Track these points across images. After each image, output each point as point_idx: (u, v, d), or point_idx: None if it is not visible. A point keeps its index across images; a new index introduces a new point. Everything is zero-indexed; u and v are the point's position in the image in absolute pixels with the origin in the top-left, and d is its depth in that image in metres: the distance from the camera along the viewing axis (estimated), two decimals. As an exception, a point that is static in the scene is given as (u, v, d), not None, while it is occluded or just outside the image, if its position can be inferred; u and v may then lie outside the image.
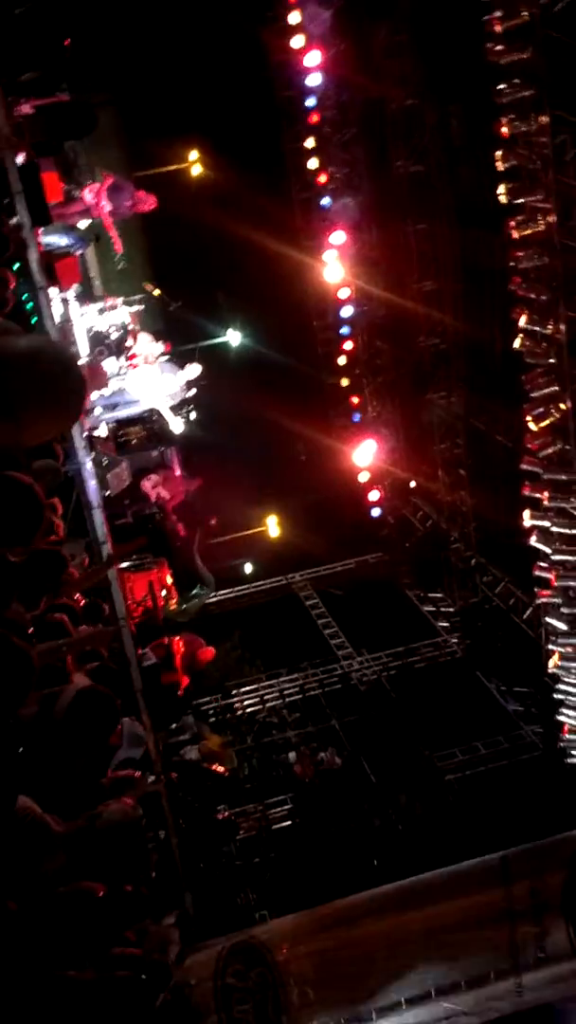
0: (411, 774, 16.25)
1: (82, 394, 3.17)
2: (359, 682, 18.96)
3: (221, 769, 14.70)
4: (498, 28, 12.38)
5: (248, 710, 18.67)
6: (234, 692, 18.93)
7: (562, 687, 14.96)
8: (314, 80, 18.88)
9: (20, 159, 10.04)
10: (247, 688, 19.09)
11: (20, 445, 3.22)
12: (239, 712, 18.62)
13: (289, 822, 16.22)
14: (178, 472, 15.72)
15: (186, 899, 11.61)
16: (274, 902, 13.43)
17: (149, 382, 13.34)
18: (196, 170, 19.17)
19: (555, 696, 15.11)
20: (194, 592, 15.40)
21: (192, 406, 14.18)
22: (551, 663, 14.95)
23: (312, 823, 15.87)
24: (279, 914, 12.13)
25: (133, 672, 11.60)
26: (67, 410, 3.06)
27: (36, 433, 3.11)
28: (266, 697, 18.91)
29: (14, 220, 9.61)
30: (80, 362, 12.32)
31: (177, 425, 13.90)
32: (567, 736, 15.18)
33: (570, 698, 14.92)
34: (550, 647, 14.98)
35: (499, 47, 12.47)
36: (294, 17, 18.27)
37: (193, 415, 14.12)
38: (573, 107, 12.29)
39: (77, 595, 8.99)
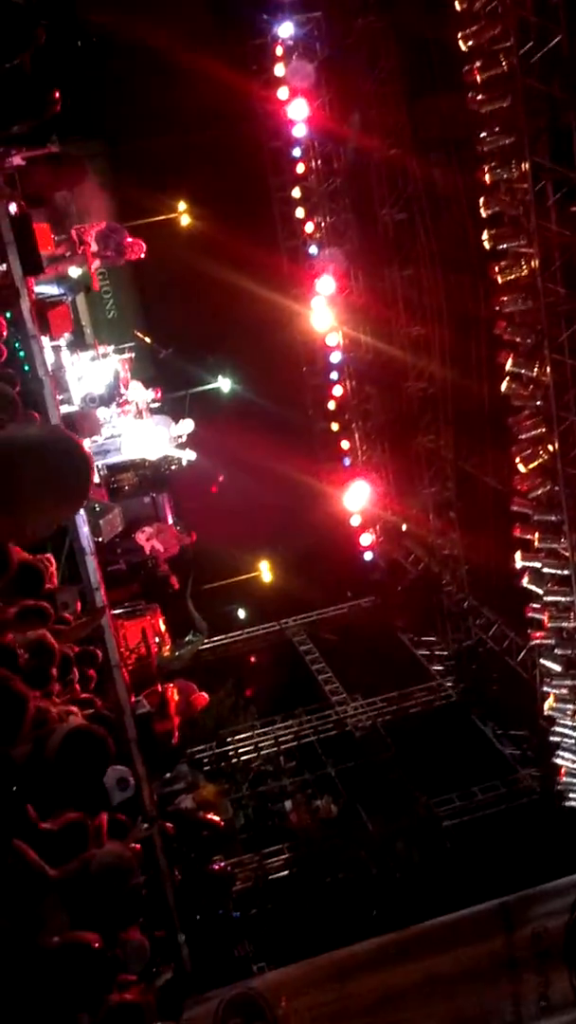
0: (408, 821, 16.07)
1: (86, 489, 3.14)
2: (354, 728, 18.80)
3: (216, 819, 14.49)
4: (478, 78, 12.66)
5: (243, 758, 18.49)
6: (228, 740, 18.76)
7: (558, 729, 14.86)
8: (299, 131, 19.23)
9: (12, 210, 10.15)
10: (241, 736, 18.92)
11: (22, 538, 3.20)
12: (234, 760, 18.43)
13: (286, 872, 16.01)
14: (171, 520, 15.69)
15: (183, 951, 11.40)
16: (272, 953, 13.21)
17: (142, 438, 13.43)
18: (185, 220, 19.44)
19: (551, 739, 15.00)
20: (187, 639, 15.32)
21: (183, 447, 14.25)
22: (547, 705, 14.86)
23: (309, 872, 15.66)
24: (278, 965, 11.92)
25: (127, 720, 11.49)
26: (70, 505, 3.04)
27: (37, 527, 3.08)
28: (261, 744, 18.74)
29: (3, 267, 9.68)
30: (71, 410, 12.38)
31: (189, 455, 13.97)
32: (564, 779, 15.05)
33: (566, 740, 14.81)
34: (545, 689, 14.90)
35: (480, 96, 12.75)
36: (279, 69, 18.68)
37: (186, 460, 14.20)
38: (553, 154, 12.52)
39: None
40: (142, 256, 13.35)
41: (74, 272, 13.26)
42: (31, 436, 3.00)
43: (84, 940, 3.89)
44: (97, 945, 3.88)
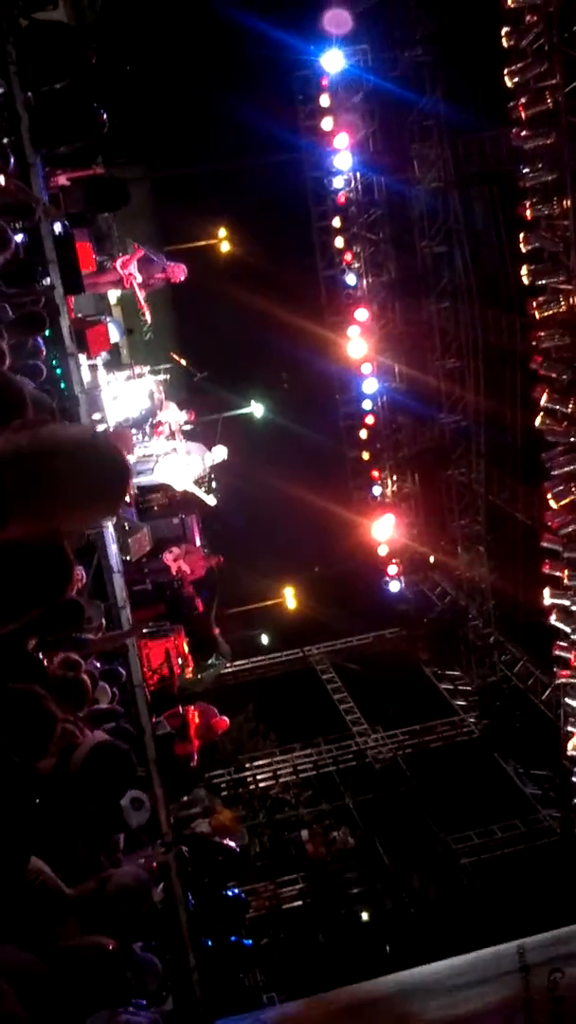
0: (425, 857, 15.90)
1: (125, 490, 3.09)
2: (374, 760, 18.67)
3: (232, 844, 14.37)
4: (523, 114, 12.72)
5: (261, 785, 18.38)
6: (247, 765, 18.67)
7: (581, 770, 14.70)
8: (342, 161, 19.36)
9: (57, 229, 10.26)
10: (260, 762, 18.83)
11: (57, 534, 3.16)
12: (251, 786, 18.33)
13: (300, 902, 15.87)
14: (198, 542, 15.69)
15: (193, 976, 11.26)
16: (283, 984, 13.06)
17: (176, 466, 13.50)
18: (225, 247, 19.62)
19: (573, 780, 14.82)
20: (210, 661, 15.26)
21: (213, 475, 14.28)
22: (570, 745, 14.69)
23: (323, 904, 15.50)
24: (288, 996, 11.76)
25: (147, 740, 11.42)
26: (107, 506, 2.99)
27: (73, 522, 3.05)
28: (279, 772, 18.63)
29: (47, 281, 9.75)
30: (104, 427, 12.44)
31: (211, 500, 14.02)
32: (585, 821, 14.87)
33: (589, 781, 14.65)
34: (569, 729, 14.73)
35: (524, 132, 12.81)
36: (325, 100, 18.86)
37: (214, 484, 14.23)
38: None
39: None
40: (182, 279, 13.44)
41: (113, 294, 13.37)
42: (73, 434, 3.00)
43: (99, 943, 3.85)
44: (112, 947, 3.83)
